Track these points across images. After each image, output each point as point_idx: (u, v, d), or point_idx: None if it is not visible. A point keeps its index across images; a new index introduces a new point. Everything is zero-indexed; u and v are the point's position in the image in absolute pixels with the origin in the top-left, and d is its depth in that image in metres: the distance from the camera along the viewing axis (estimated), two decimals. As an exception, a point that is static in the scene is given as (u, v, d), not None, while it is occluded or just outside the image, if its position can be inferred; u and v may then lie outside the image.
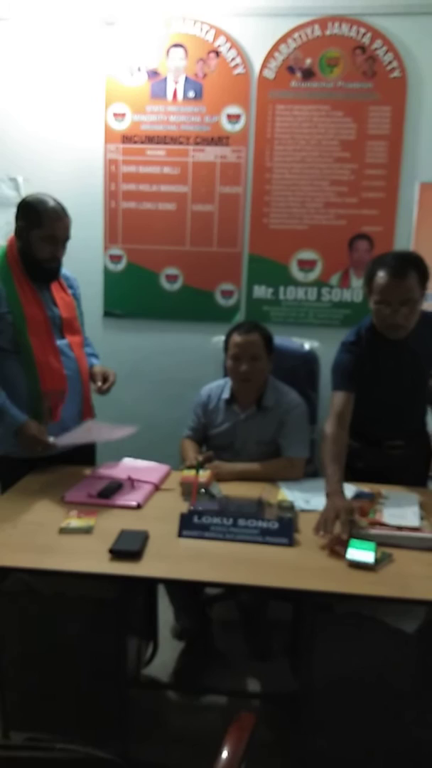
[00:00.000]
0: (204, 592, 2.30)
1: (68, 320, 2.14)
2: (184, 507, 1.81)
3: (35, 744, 0.69)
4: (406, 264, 1.85)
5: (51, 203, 2.00)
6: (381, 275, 1.85)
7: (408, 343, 1.95)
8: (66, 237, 2.04)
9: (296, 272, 2.97)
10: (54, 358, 2.06)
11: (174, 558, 1.56)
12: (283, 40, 2.78)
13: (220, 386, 2.30)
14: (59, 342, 2.10)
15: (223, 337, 2.43)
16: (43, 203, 1.99)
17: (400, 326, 1.88)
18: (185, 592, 2.15)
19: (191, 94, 2.87)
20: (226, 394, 2.24)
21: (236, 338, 2.15)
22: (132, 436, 2.95)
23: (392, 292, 1.83)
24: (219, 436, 2.25)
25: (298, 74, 2.81)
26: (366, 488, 1.96)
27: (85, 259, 2.97)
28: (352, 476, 2.02)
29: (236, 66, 2.83)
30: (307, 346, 2.54)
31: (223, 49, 2.82)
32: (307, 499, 1.91)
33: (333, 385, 2.03)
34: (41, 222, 1.97)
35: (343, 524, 1.62)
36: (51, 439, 2.00)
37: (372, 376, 2.00)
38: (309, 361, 2.52)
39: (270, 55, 2.80)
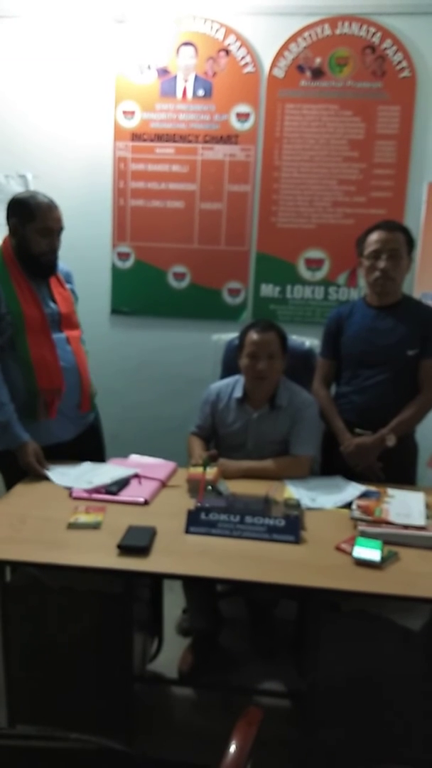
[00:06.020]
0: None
1: (66, 315, 2.15)
2: (191, 504, 1.82)
3: (50, 734, 0.70)
4: (396, 224, 2.17)
5: (40, 197, 2.03)
6: (374, 232, 2.12)
7: (395, 314, 2.14)
8: (60, 228, 2.07)
9: (303, 271, 2.97)
10: (51, 356, 2.06)
11: (181, 554, 1.57)
12: (293, 39, 2.78)
13: (230, 384, 2.26)
14: (56, 336, 2.09)
15: (229, 335, 2.42)
16: (33, 197, 2.03)
17: (388, 276, 2.08)
18: (203, 592, 2.12)
19: (201, 92, 2.88)
20: (238, 393, 2.21)
21: (253, 336, 2.12)
22: (137, 431, 2.99)
23: (384, 242, 2.08)
24: (231, 435, 2.22)
25: (308, 73, 2.81)
26: (372, 487, 1.97)
27: (93, 256, 2.99)
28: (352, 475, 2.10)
29: (246, 65, 2.83)
30: (307, 343, 2.51)
31: (233, 48, 2.82)
32: (313, 497, 1.92)
33: (319, 353, 2.37)
34: (34, 216, 2.00)
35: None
36: (46, 471, 2.02)
37: (354, 337, 2.19)
38: (313, 359, 2.50)
39: (280, 54, 2.80)
